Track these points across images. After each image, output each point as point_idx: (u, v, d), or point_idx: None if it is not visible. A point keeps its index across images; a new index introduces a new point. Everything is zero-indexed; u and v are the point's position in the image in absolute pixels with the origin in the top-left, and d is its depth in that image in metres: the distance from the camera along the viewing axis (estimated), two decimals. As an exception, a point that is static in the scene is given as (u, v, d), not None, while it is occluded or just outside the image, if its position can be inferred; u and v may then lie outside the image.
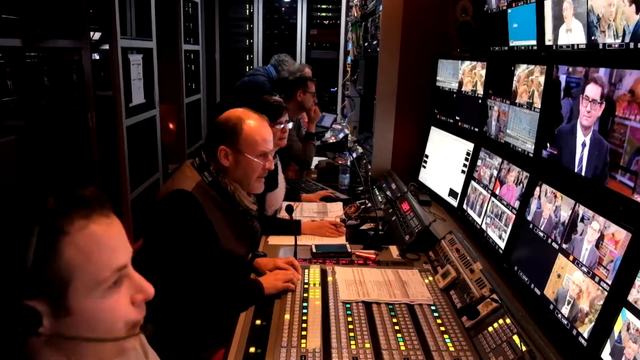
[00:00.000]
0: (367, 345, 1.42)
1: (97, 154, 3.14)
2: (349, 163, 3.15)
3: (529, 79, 1.85)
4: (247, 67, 5.72)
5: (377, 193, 2.87)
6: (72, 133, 3.10)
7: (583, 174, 1.45)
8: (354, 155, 3.17)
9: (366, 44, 3.59)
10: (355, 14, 4.25)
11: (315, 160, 3.47)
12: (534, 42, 1.79)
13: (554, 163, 1.63)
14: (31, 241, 0.69)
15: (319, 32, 5.64)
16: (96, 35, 3.15)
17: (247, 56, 5.70)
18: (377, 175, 3.05)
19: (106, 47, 3.12)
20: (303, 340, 1.43)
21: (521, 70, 1.91)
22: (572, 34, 1.53)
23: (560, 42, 1.61)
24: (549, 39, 1.68)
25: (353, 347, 1.41)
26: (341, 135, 4.06)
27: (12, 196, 0.75)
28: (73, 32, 2.98)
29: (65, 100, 3.13)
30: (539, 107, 1.75)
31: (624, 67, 1.29)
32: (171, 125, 4.56)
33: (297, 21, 5.60)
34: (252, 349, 1.40)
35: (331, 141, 3.94)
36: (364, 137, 4.27)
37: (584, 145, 1.45)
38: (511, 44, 2.00)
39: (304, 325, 1.51)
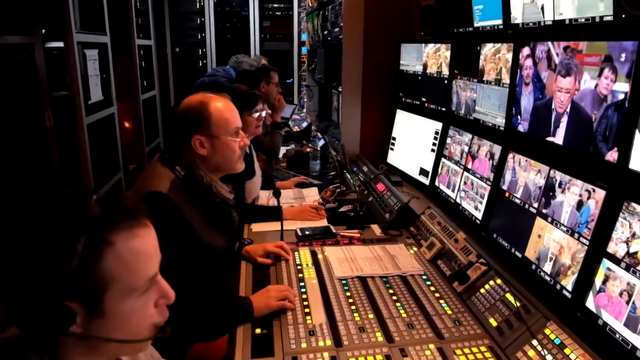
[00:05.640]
0: (371, 315, 1.48)
1: (56, 155, 3.01)
2: (319, 149, 3.20)
3: (496, 57, 1.95)
4: (201, 62, 5.62)
5: (349, 176, 2.93)
6: (28, 134, 2.96)
7: (560, 142, 1.56)
8: (322, 142, 3.21)
9: (326, 32, 3.63)
10: (310, 4, 4.28)
11: (283, 150, 3.49)
12: (499, 22, 1.89)
13: (527, 134, 1.74)
14: (77, 248, 0.72)
15: (272, 23, 5.62)
16: (47, 31, 3.01)
17: (200, 50, 5.60)
18: (344, 160, 3.11)
19: (59, 43, 2.99)
20: (308, 317, 1.47)
21: (487, 49, 2.01)
22: (539, 10, 1.63)
23: (526, 20, 1.72)
24: (514, 17, 1.79)
25: (357, 318, 1.46)
26: (305, 124, 4.09)
27: (57, 201, 0.77)
28: (22, 27, 2.83)
29: (18, 100, 2.98)
30: (508, 83, 1.86)
31: (590, 40, 1.41)
32: (127, 124, 4.44)
33: (249, 13, 5.56)
34: (257, 330, 1.42)
35: (295, 130, 3.97)
36: (325, 125, 4.33)
37: (558, 116, 1.57)
38: (476, 24, 2.10)
39: (305, 303, 1.55)
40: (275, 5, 5.56)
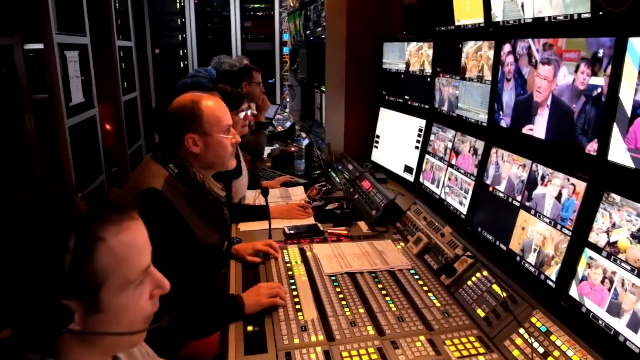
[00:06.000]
0: (361, 310, 1.50)
1: (37, 159, 2.97)
2: (304, 148, 3.21)
3: (477, 54, 1.99)
4: (182, 63, 5.58)
5: (334, 175, 2.96)
6: (9, 137, 2.90)
7: (541, 136, 1.60)
8: (307, 141, 3.23)
9: (308, 32, 3.64)
10: (292, 4, 4.29)
11: (267, 149, 3.50)
12: (481, 20, 1.93)
13: (509, 129, 1.78)
14: (69, 246, 0.72)
15: (253, 23, 5.61)
16: (24, 32, 2.96)
17: (181, 51, 5.56)
18: (330, 158, 3.13)
19: (38, 45, 2.95)
20: (299, 313, 1.49)
21: (469, 46, 2.05)
22: (519, 8, 1.67)
23: (507, 18, 1.76)
24: (495, 15, 1.83)
25: (348, 313, 1.48)
26: (288, 124, 4.10)
27: (44, 200, 0.76)
28: (0, 28, 2.78)
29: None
30: (490, 79, 1.90)
31: (569, 36, 1.45)
32: (108, 126, 4.39)
33: (230, 13, 5.54)
34: (250, 328, 1.43)
35: (279, 130, 3.98)
36: (308, 124, 4.35)
37: (540, 110, 1.61)
38: (457, 23, 2.14)
39: (296, 300, 1.57)
40: (257, 5, 5.55)
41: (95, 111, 3.59)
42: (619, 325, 1.20)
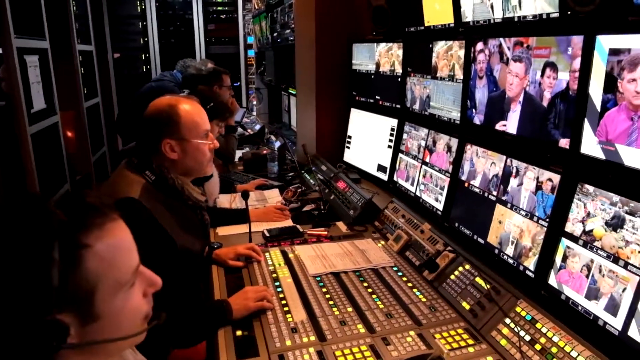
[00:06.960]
0: (349, 309, 1.51)
1: (-3, 168, 2.84)
2: (276, 150, 3.20)
3: (448, 54, 2.04)
4: (144, 67, 5.46)
5: (308, 177, 2.96)
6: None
7: (514, 132, 1.66)
8: (278, 143, 3.22)
9: (275, 34, 3.63)
10: (257, 6, 4.27)
11: (238, 153, 3.47)
12: (450, 21, 1.98)
13: (483, 126, 1.83)
14: (54, 258, 0.69)
15: (216, 26, 5.55)
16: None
17: (143, 55, 5.44)
18: (303, 160, 3.13)
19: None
20: (288, 315, 1.48)
21: (439, 46, 2.10)
22: (488, 9, 1.73)
23: (477, 18, 1.81)
24: (465, 16, 1.88)
25: (337, 312, 1.49)
26: (257, 127, 4.08)
27: (19, 213, 0.72)
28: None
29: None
30: (461, 78, 1.95)
31: (538, 35, 1.51)
32: (70, 134, 4.24)
33: (193, 17, 5.46)
34: (239, 332, 1.42)
35: (249, 133, 3.95)
36: (276, 127, 4.34)
37: (513, 106, 1.66)
38: (427, 24, 2.18)
39: (283, 302, 1.56)
40: (220, 8, 5.49)
41: (58, 118, 3.46)
42: (598, 310, 1.25)
